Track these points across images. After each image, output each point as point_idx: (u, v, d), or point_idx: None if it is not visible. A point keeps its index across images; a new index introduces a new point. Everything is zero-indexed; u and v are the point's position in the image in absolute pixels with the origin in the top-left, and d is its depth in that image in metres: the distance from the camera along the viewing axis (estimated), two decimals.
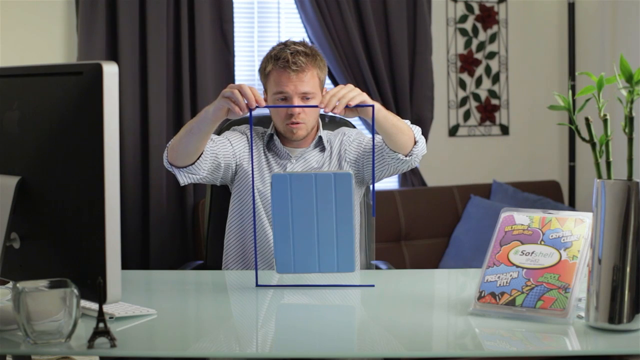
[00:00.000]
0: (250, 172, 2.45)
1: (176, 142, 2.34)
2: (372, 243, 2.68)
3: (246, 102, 2.13)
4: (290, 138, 2.50)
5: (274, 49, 2.48)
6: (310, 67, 2.43)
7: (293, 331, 1.75)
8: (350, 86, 2.18)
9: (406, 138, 2.33)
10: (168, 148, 2.38)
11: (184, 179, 2.40)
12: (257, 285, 2.05)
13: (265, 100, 2.46)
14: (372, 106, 2.15)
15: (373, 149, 2.12)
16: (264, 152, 2.53)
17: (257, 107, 2.14)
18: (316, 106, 2.29)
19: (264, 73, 2.49)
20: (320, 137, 2.53)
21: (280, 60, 2.42)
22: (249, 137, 2.49)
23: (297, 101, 2.42)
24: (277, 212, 1.98)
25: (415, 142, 2.36)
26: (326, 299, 1.98)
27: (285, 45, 2.47)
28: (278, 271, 2.03)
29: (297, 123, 2.45)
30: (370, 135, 2.55)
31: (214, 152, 2.41)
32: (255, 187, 2.44)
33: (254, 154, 2.48)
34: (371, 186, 2.60)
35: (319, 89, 2.47)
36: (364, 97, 2.17)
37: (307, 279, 2.06)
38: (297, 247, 1.99)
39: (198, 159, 2.36)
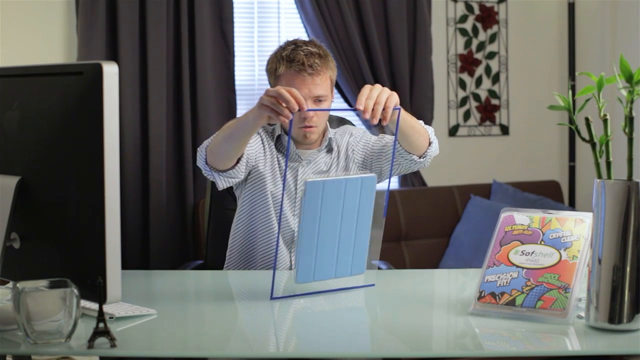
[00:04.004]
0: (265, 173, 2.42)
1: (215, 147, 2.29)
2: (379, 243, 2.65)
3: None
4: (302, 142, 2.47)
5: (284, 49, 2.42)
6: (324, 69, 2.39)
7: (292, 331, 1.75)
8: (379, 87, 2.04)
9: (422, 139, 2.30)
10: (207, 151, 2.32)
11: (223, 183, 2.36)
12: (271, 298, 1.95)
13: None
14: (399, 109, 2.06)
15: (393, 153, 2.11)
16: (275, 153, 2.51)
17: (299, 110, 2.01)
18: (354, 109, 2.05)
19: (274, 74, 2.43)
20: (329, 139, 2.50)
21: (294, 62, 2.36)
22: (263, 138, 2.46)
23: (310, 104, 2.37)
24: (306, 220, 1.90)
25: (430, 143, 2.34)
26: (326, 300, 1.98)
27: (296, 45, 2.41)
28: (297, 281, 1.95)
29: (311, 127, 2.42)
30: (375, 136, 2.54)
31: (247, 154, 2.38)
32: (267, 188, 2.43)
33: (267, 155, 2.46)
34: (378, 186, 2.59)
35: (330, 91, 2.44)
36: (396, 99, 2.05)
37: (310, 287, 2.01)
38: (320, 254, 1.94)
39: (237, 162, 2.33)
